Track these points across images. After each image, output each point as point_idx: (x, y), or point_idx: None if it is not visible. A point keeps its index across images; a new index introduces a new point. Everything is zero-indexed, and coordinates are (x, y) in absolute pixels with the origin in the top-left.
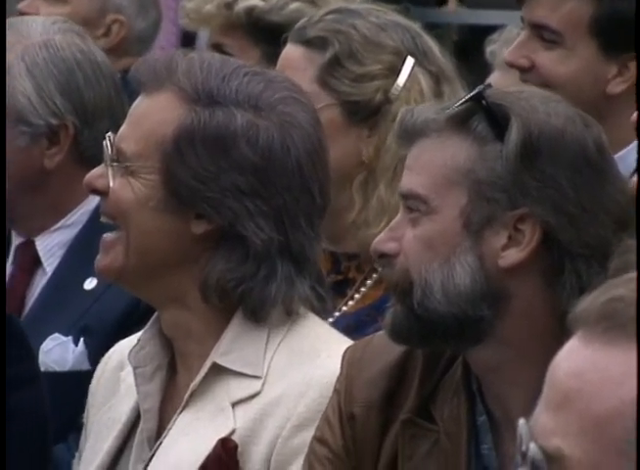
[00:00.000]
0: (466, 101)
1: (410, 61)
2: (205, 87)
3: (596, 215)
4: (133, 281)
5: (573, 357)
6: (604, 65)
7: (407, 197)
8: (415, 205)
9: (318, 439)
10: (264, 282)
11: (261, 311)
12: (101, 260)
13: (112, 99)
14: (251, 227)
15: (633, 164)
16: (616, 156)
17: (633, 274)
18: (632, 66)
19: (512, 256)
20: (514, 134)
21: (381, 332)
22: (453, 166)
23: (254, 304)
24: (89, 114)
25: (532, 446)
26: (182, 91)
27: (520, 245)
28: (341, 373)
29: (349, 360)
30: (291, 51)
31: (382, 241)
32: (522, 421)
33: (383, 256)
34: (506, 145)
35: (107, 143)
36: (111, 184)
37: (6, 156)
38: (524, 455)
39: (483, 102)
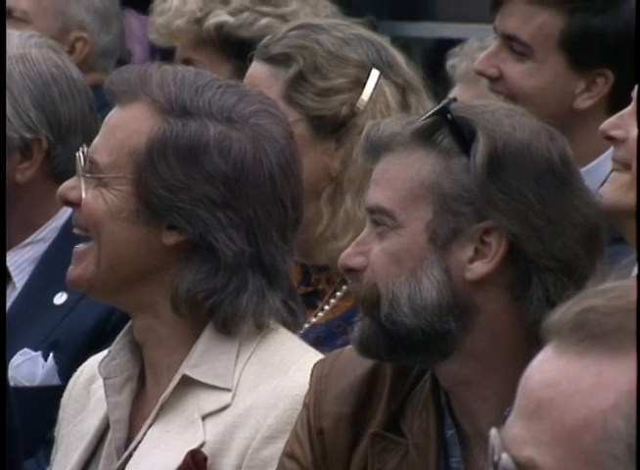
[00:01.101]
0: (431, 115)
1: (375, 73)
2: (179, 98)
3: (563, 228)
4: (104, 291)
5: (547, 368)
6: (572, 80)
7: (374, 211)
8: (381, 219)
9: (287, 454)
10: (235, 294)
11: (232, 324)
12: (72, 271)
13: (85, 115)
14: (222, 239)
15: (602, 177)
16: (582, 169)
17: (607, 285)
18: (600, 81)
19: (478, 268)
20: (480, 147)
21: (349, 346)
22: (419, 180)
23: (225, 316)
24: (63, 129)
25: (504, 455)
26: (155, 102)
27: (486, 257)
28: (309, 388)
29: (318, 375)
30: (256, 69)
31: (349, 255)
32: (494, 431)
33: (350, 270)
34: (472, 158)
35: (79, 155)
36: (83, 195)
37: None
38: (495, 465)
39: (448, 116)
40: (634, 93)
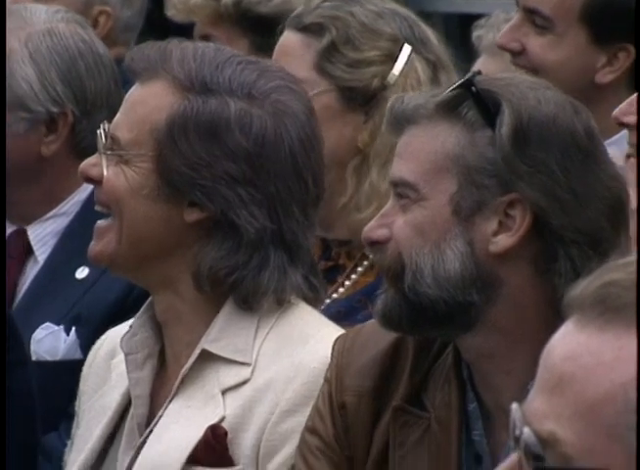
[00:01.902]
0: (456, 88)
1: (407, 48)
2: (199, 75)
3: (587, 201)
4: (125, 267)
5: (568, 341)
6: (593, 53)
7: (397, 184)
8: (405, 192)
9: (309, 429)
10: (257, 271)
11: (253, 300)
12: (93, 247)
13: (111, 90)
14: (244, 215)
15: (624, 151)
16: (609, 141)
17: (628, 259)
18: (622, 56)
19: (502, 241)
20: (505, 120)
21: (371, 320)
22: (443, 153)
23: (246, 292)
24: (89, 103)
25: (526, 429)
26: (176, 79)
27: (510, 230)
28: (331, 362)
29: (340, 349)
30: (288, 38)
31: (372, 228)
32: (515, 405)
33: (374, 243)
34: (497, 131)
35: (101, 131)
36: (104, 172)
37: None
38: (517, 439)
39: (473, 88)
40: None
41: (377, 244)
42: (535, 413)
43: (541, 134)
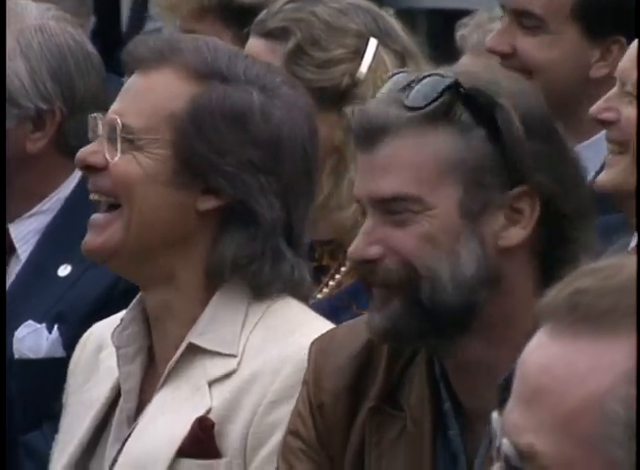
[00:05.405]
0: (441, 94)
1: (373, 42)
2: (215, 64)
3: (579, 181)
4: (128, 260)
5: (542, 352)
6: (587, 49)
7: (389, 200)
8: (404, 206)
9: (291, 432)
10: (272, 261)
11: (267, 290)
12: (93, 239)
13: (99, 91)
14: (263, 203)
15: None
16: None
17: (596, 265)
18: (615, 48)
19: (515, 234)
20: (504, 117)
21: (348, 322)
22: (443, 159)
23: (263, 281)
24: (77, 101)
25: (505, 441)
26: (189, 67)
27: (520, 223)
28: (308, 365)
29: (316, 351)
30: (253, 44)
31: (361, 247)
32: (495, 415)
33: (367, 261)
34: (504, 126)
35: (97, 119)
36: (111, 159)
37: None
38: (498, 451)
39: (461, 90)
40: (617, 73)
41: (370, 262)
42: (514, 425)
43: (542, 124)
